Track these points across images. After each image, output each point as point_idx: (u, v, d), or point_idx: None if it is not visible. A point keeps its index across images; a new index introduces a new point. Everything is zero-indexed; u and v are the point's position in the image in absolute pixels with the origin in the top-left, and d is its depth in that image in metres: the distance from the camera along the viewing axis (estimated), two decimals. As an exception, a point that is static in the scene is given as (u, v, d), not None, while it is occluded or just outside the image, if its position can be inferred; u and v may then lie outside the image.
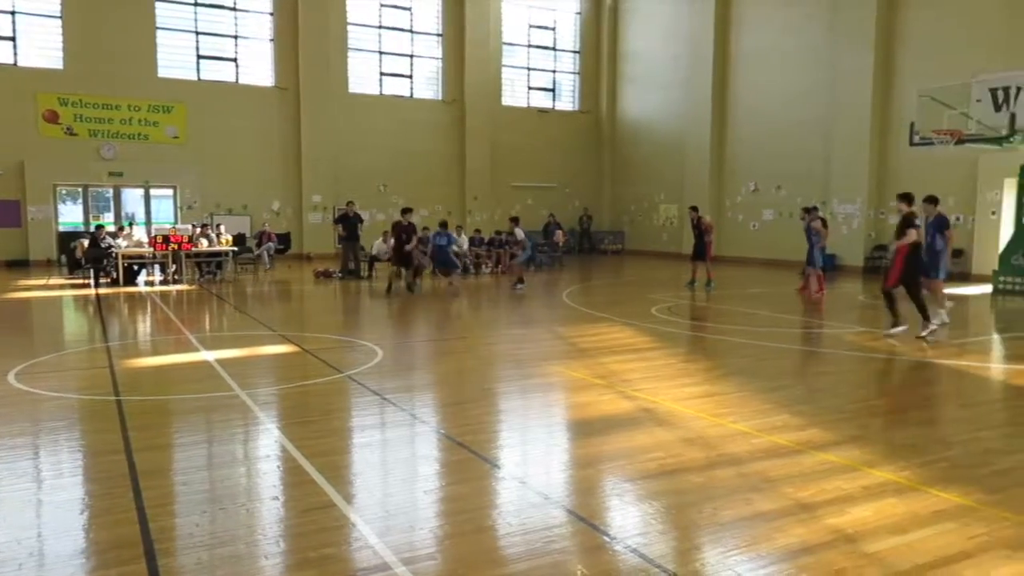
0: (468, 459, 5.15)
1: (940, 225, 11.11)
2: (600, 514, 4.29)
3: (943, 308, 10.67)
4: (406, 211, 15.91)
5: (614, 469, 4.95)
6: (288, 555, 3.71)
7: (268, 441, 5.60)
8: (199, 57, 23.72)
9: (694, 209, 18.57)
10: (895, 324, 9.81)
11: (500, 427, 6.16)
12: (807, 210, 15.49)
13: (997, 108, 15.98)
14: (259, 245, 20.61)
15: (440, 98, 27.34)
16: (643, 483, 4.68)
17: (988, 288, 15.91)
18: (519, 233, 17.70)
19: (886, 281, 10.04)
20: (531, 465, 5.17)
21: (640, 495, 4.51)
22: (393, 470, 5.06)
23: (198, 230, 18.45)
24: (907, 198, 10.02)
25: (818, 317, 12.39)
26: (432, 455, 5.40)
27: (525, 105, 29.37)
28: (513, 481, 4.78)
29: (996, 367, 8.64)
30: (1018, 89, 15.75)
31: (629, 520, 4.16)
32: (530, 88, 29.51)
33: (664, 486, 4.62)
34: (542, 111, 29.52)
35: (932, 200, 10.99)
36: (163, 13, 23.04)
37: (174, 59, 23.33)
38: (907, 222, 9.69)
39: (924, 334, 9.63)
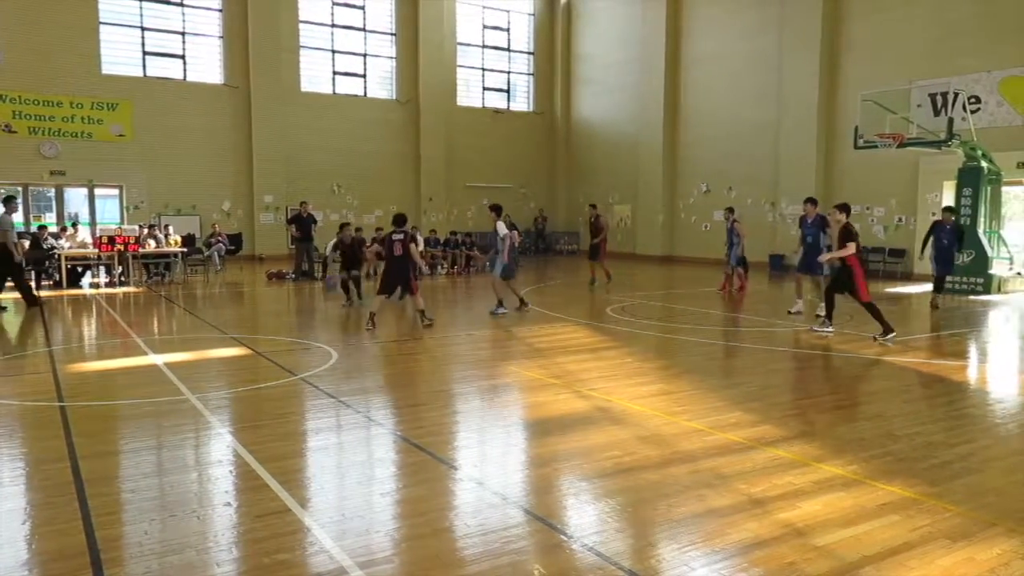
0: (425, 461, 5.13)
1: (822, 224, 11.92)
2: (557, 513, 4.31)
3: (800, 299, 12.36)
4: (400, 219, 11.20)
5: (570, 468, 4.99)
6: (241, 562, 3.65)
7: (220, 446, 5.49)
8: (145, 53, 23.14)
9: (593, 207, 18.68)
10: (886, 331, 9.63)
11: (457, 428, 6.14)
12: (730, 210, 16.30)
13: (936, 113, 16.58)
14: (209, 246, 20.20)
15: (394, 98, 27.17)
16: (599, 481, 4.72)
17: (929, 287, 16.40)
18: (501, 228, 12.23)
19: (860, 295, 9.79)
20: (488, 466, 5.17)
21: (596, 493, 4.55)
22: (349, 473, 5.00)
23: (145, 231, 18.00)
24: (846, 208, 10.30)
25: (766, 315, 12.65)
26: (388, 457, 5.36)
27: (480, 105, 29.37)
28: (470, 482, 4.78)
29: (937, 363, 8.93)
30: (955, 95, 16.34)
31: (586, 518, 4.19)
32: (485, 88, 29.51)
33: (620, 484, 4.67)
34: (497, 112, 29.55)
35: (812, 201, 12.12)
36: (107, 7, 22.40)
37: (119, 55, 22.72)
38: (848, 234, 9.79)
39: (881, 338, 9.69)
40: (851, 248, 9.68)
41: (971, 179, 15.84)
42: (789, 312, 12.32)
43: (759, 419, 6.12)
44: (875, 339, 9.68)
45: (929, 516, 4.14)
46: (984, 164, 15.80)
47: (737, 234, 15.55)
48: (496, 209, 12.61)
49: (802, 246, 12.15)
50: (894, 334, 9.63)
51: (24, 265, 16.41)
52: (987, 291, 15.41)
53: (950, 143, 15.41)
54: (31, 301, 12.77)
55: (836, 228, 10.34)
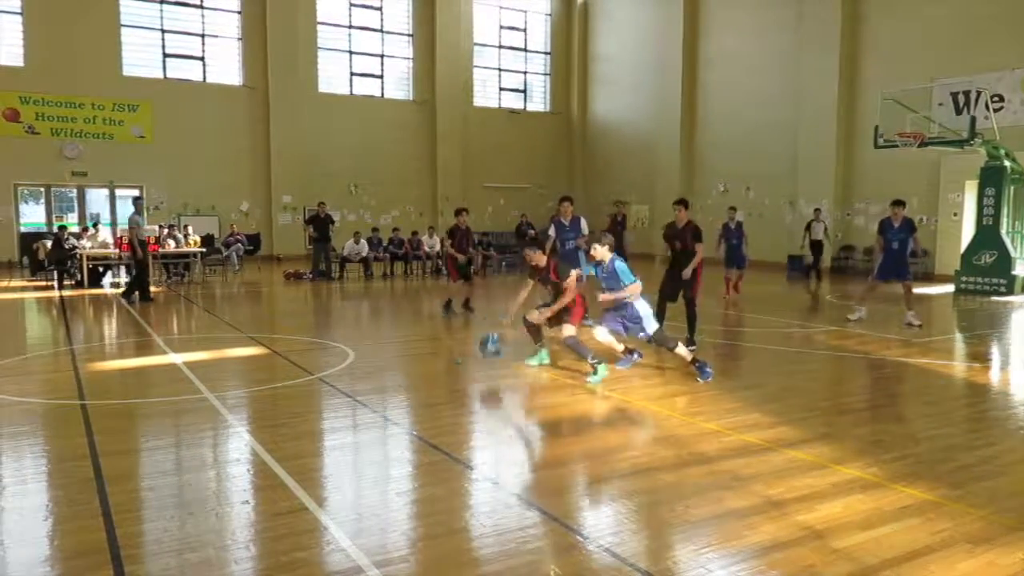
0: (441, 460, 5.13)
1: (910, 228, 11.17)
2: (573, 514, 4.30)
3: (912, 309, 10.97)
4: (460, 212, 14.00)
5: (587, 469, 4.97)
6: (259, 560, 3.67)
7: (238, 444, 5.53)
8: (165, 55, 23.37)
9: (621, 203, 17.51)
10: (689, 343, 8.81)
11: (473, 428, 6.15)
12: (734, 209, 16.23)
13: (958, 111, 16.39)
14: (228, 246, 20.35)
15: (411, 98, 27.24)
16: (616, 482, 4.71)
17: (951, 288, 16.25)
18: (584, 226, 10.67)
19: (692, 290, 9.16)
20: (504, 466, 5.17)
21: (613, 494, 4.53)
22: (365, 472, 5.02)
23: (165, 231, 18.17)
24: (683, 203, 9.28)
25: (787, 316, 12.55)
26: (405, 457, 5.37)
27: (496, 106, 29.37)
28: (486, 482, 4.78)
29: (959, 365, 8.83)
30: (978, 93, 16.15)
31: (602, 519, 4.18)
32: (501, 89, 29.51)
33: (636, 485, 4.65)
34: (513, 112, 29.54)
35: (900, 203, 11.25)
36: (127, 10, 22.66)
37: (139, 57, 22.96)
38: (699, 235, 9.00)
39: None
40: (701, 249, 9.00)
41: (994, 178, 15.64)
42: (848, 319, 11.39)
43: (777, 421, 6.07)
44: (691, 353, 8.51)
45: (950, 520, 4.09)
46: (1007, 163, 15.59)
47: (743, 233, 15.46)
48: (571, 200, 10.87)
49: (883, 251, 11.24)
50: (695, 347, 8.71)
51: (46, 265, 16.67)
52: (1010, 292, 15.20)
53: (972, 142, 15.22)
54: (146, 296, 13.71)
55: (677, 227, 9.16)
